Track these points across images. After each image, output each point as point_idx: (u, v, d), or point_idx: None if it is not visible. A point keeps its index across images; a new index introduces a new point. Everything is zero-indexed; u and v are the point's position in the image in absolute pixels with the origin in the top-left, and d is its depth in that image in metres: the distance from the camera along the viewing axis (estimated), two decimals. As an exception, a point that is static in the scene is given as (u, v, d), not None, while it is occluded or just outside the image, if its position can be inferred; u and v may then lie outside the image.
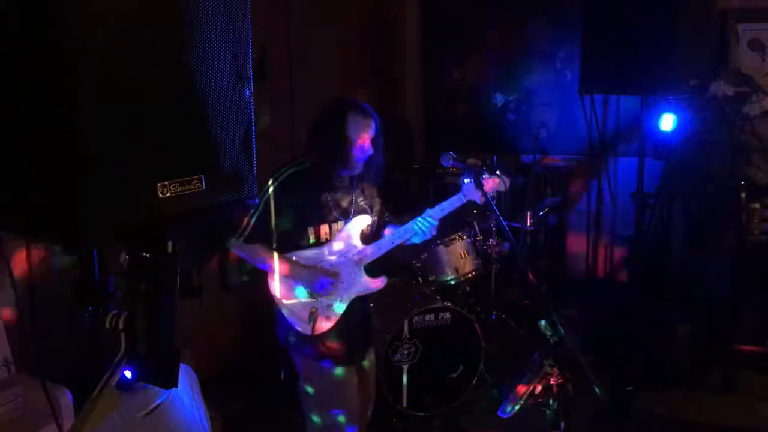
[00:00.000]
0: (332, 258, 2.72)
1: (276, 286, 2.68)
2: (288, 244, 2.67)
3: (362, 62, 5.38)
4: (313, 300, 2.68)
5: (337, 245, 2.72)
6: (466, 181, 2.78)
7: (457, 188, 2.82)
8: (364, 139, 2.61)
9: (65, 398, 2.52)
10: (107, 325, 1.55)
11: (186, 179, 1.40)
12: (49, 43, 1.18)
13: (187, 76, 1.37)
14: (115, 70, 1.24)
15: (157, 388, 1.66)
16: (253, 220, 2.59)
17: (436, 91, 6.05)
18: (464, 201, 2.78)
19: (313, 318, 2.65)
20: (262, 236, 2.61)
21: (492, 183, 2.78)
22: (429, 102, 6.10)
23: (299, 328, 2.69)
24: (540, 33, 5.55)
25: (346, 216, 2.73)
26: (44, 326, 2.58)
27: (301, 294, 2.69)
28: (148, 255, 1.50)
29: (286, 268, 2.65)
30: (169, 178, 1.36)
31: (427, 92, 6.10)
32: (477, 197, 2.74)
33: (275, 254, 2.63)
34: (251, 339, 4.23)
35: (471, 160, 2.89)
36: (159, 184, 1.34)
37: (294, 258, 2.68)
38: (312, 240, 2.68)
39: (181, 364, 1.67)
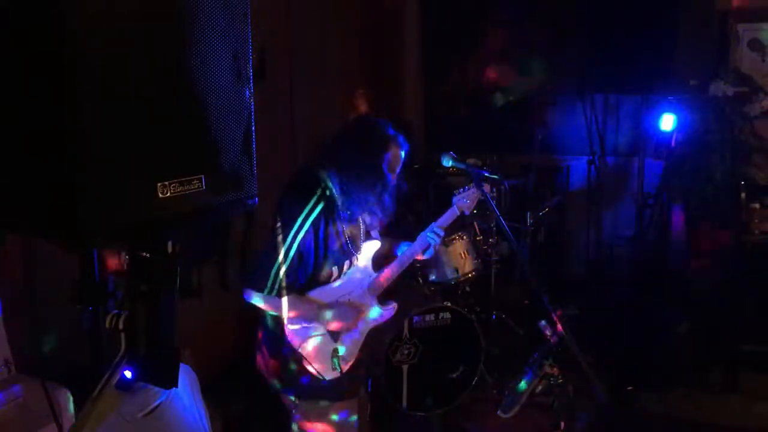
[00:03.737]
0: (350, 290, 2.57)
1: (293, 333, 2.47)
2: (311, 284, 2.47)
3: (362, 62, 5.38)
4: (334, 340, 2.52)
5: (354, 276, 2.59)
6: (455, 192, 2.82)
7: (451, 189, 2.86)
8: (395, 171, 2.47)
9: (65, 398, 2.51)
10: (107, 325, 1.55)
11: (186, 179, 1.40)
12: (49, 43, 1.18)
13: (187, 76, 1.37)
14: (115, 70, 1.24)
15: (157, 388, 1.66)
16: (283, 270, 2.31)
17: (436, 91, 6.05)
18: (458, 214, 2.80)
19: (336, 358, 2.47)
20: (293, 286, 2.36)
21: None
22: (429, 102, 6.10)
23: (319, 373, 2.47)
24: (540, 33, 5.55)
25: (358, 246, 2.59)
26: (44, 326, 2.58)
27: (322, 335, 2.50)
28: (148, 255, 1.50)
29: (311, 310, 2.46)
30: (169, 178, 1.36)
31: (427, 92, 6.09)
32: (467, 210, 2.79)
33: (298, 298, 2.41)
34: (251, 339, 4.22)
35: (471, 160, 2.89)
36: (159, 184, 1.34)
37: (315, 297, 2.48)
38: (335, 275, 2.52)
39: (181, 364, 1.67)
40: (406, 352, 3.64)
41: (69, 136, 1.20)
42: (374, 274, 2.65)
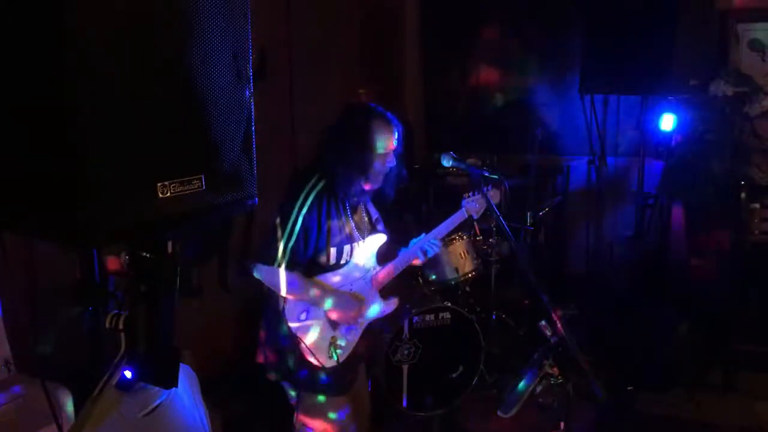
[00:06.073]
0: (352, 281, 2.60)
1: (292, 314, 2.49)
2: (314, 268, 2.53)
3: (362, 62, 5.38)
4: (332, 329, 2.55)
5: (356, 267, 2.61)
6: (466, 196, 2.86)
7: (457, 190, 2.87)
8: (388, 150, 2.50)
9: (65, 398, 2.51)
10: (107, 325, 1.56)
11: (186, 179, 1.39)
12: (49, 44, 1.18)
13: (187, 76, 1.37)
14: (115, 70, 1.24)
15: (157, 388, 1.66)
16: (290, 245, 2.37)
17: (436, 91, 6.05)
18: (465, 217, 2.85)
19: (333, 347, 2.50)
20: (299, 262, 2.42)
21: (496, 196, 2.87)
22: (429, 102, 6.10)
23: (314, 361, 2.49)
24: (540, 33, 5.55)
25: (362, 235, 2.63)
26: (44, 326, 2.58)
27: (322, 323, 2.53)
28: (148, 255, 1.50)
29: (315, 294, 2.49)
30: (169, 178, 1.36)
31: (427, 92, 6.09)
32: (474, 213, 2.84)
33: (303, 279, 2.46)
34: (251, 339, 4.22)
35: (471, 160, 2.91)
36: (159, 184, 1.34)
37: (322, 282, 2.53)
38: (333, 262, 2.55)
39: (181, 365, 1.67)
40: (406, 352, 3.64)
41: (69, 136, 1.20)
42: (377, 268, 2.68)
